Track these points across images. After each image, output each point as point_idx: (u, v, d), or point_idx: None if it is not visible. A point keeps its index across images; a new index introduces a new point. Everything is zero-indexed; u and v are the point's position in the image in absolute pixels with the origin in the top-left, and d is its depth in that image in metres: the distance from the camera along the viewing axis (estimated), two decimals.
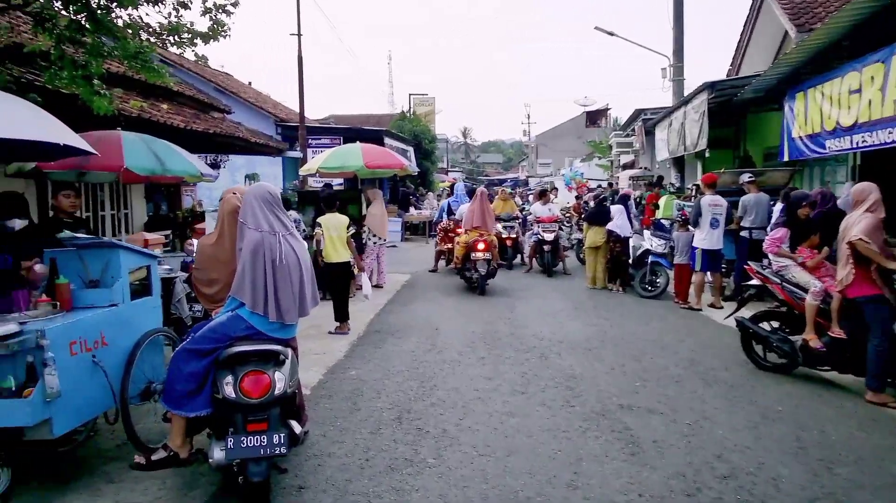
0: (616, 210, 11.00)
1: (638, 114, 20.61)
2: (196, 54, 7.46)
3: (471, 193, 13.33)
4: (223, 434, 3.47)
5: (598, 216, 11.11)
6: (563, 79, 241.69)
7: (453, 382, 5.82)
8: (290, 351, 3.60)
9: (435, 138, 32.33)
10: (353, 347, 7.18)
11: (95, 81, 6.91)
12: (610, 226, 10.83)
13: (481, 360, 6.58)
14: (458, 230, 12.03)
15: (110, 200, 10.50)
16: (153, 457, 3.78)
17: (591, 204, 12.84)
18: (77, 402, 3.66)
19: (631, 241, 10.63)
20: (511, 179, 53.42)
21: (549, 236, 12.47)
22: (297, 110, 19.02)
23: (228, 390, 3.40)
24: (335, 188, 13.10)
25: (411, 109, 33.89)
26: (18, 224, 4.46)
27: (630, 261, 10.64)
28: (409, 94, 35.78)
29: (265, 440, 3.39)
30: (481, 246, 10.36)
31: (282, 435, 3.42)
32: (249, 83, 27.41)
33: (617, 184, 21.79)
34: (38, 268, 3.92)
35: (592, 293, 10.78)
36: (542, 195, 14.08)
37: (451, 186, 18.96)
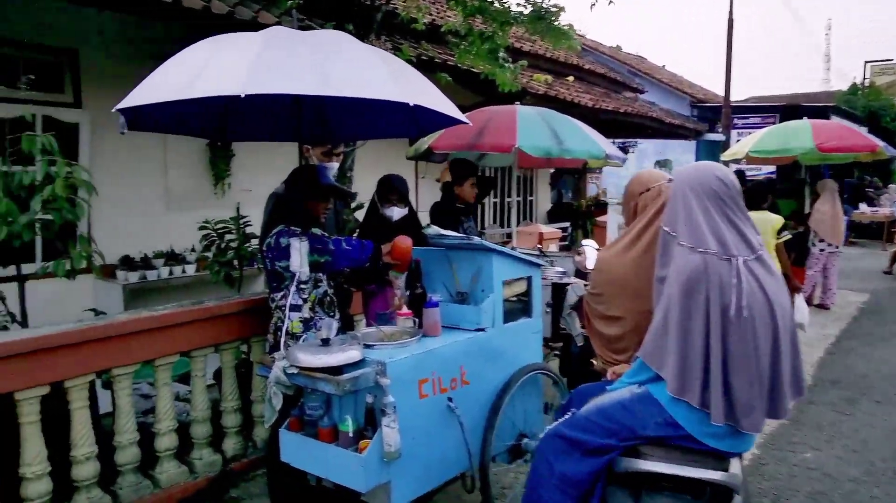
0: None
1: None
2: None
3: None
4: None
5: None
6: None
7: None
8: (742, 482, 1.95)
9: None
10: (799, 409, 4.95)
11: (501, 54, 6.24)
12: None
13: None
14: None
15: (517, 186, 10.23)
16: None
17: None
18: (425, 462, 2.70)
19: None
20: None
21: None
22: (714, 91, 16.54)
23: None
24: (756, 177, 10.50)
25: (865, 80, 27.20)
26: (397, 213, 3.81)
27: None
28: (865, 62, 28.82)
29: None
30: None
31: None
32: (663, 66, 25.60)
33: None
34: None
35: None
36: None
37: None
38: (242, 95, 2.24)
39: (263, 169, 6.34)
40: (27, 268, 3.71)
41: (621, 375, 2.30)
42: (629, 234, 2.68)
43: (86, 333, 2.98)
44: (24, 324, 3.53)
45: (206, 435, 3.58)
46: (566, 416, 2.29)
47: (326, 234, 3.16)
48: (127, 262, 5.58)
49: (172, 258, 5.81)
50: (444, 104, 2.83)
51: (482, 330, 3.02)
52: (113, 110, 2.58)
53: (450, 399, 2.80)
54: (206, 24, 5.06)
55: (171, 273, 5.70)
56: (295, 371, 2.50)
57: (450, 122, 3.19)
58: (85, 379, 3.03)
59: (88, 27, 5.50)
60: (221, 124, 3.50)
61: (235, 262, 4.57)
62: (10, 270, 3.67)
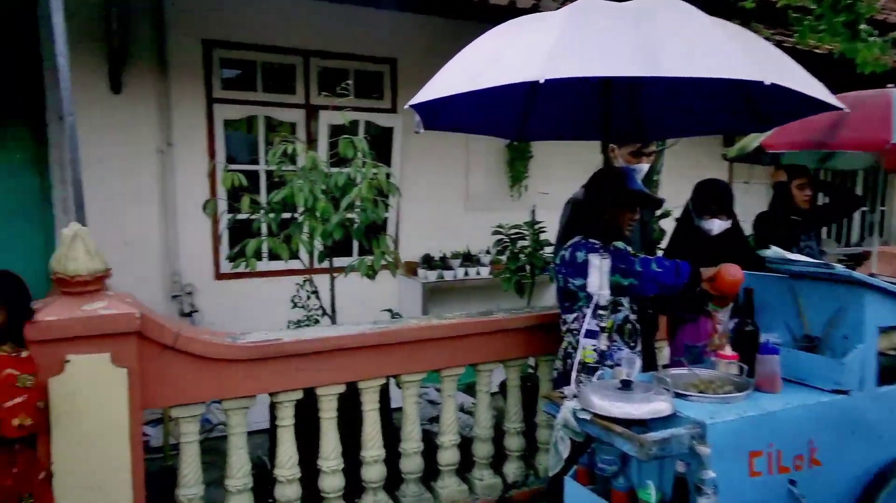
0: None
1: None
2: None
3: None
4: None
5: None
6: None
7: None
8: None
9: None
10: None
11: (862, 27, 4.94)
12: None
13: None
14: None
15: (864, 191, 8.33)
16: None
17: None
18: None
19: None
20: None
21: None
22: None
23: None
24: None
25: None
26: (718, 227, 3.11)
27: None
28: None
29: None
30: None
31: None
32: None
33: None
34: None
35: None
36: None
37: None
38: (541, 81, 1.85)
39: (562, 170, 6.03)
40: (341, 262, 3.93)
41: None
42: None
43: (379, 337, 2.96)
44: (333, 317, 3.73)
45: (487, 454, 3.36)
46: None
47: (632, 251, 2.65)
48: (427, 261, 5.77)
49: (468, 259, 5.86)
50: (810, 84, 2.09)
51: (844, 392, 2.21)
52: (405, 107, 2.43)
53: (792, 482, 2.08)
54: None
55: (466, 274, 5.75)
56: (587, 417, 2.06)
57: (807, 109, 2.41)
58: (376, 382, 3.02)
59: (406, 36, 5.79)
60: (519, 122, 3.22)
61: (528, 269, 4.32)
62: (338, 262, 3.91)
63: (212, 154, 5.28)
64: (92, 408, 2.29)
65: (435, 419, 3.57)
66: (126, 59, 4.88)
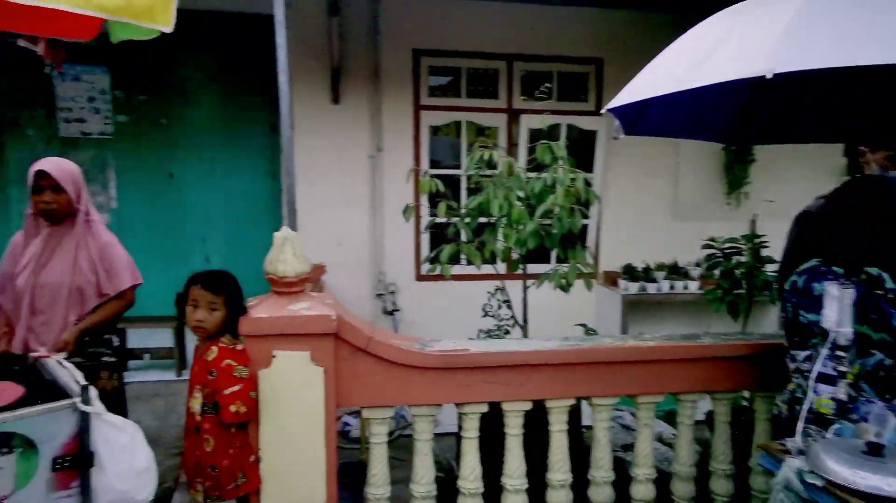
0: None
1: None
2: None
3: None
4: None
5: None
6: None
7: None
8: None
9: None
10: None
11: None
12: None
13: None
14: None
15: None
16: None
17: None
18: None
19: None
20: None
21: None
22: None
23: None
24: None
25: None
26: None
27: None
28: None
29: None
30: None
31: None
32: None
33: None
34: None
35: None
36: None
37: None
38: (769, 76, 1.55)
39: (792, 175, 5.32)
40: (538, 270, 3.81)
41: None
42: None
43: (570, 355, 2.78)
44: (524, 328, 3.63)
45: (688, 496, 3.01)
46: None
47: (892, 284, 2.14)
48: (629, 272, 5.42)
49: (674, 272, 5.40)
50: None
51: None
52: (602, 111, 2.23)
53: None
54: None
55: (671, 288, 5.31)
56: (819, 483, 1.70)
57: None
58: (564, 402, 2.85)
59: (612, 34, 5.51)
60: (737, 122, 2.83)
61: (744, 288, 3.82)
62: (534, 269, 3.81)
63: (417, 159, 5.49)
64: (293, 401, 2.44)
65: (629, 447, 3.29)
66: (344, 73, 5.26)
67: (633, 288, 5.29)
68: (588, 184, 3.48)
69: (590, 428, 3.06)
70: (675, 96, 1.96)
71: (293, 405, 2.44)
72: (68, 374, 1.86)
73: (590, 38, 5.55)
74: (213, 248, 5.87)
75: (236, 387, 2.23)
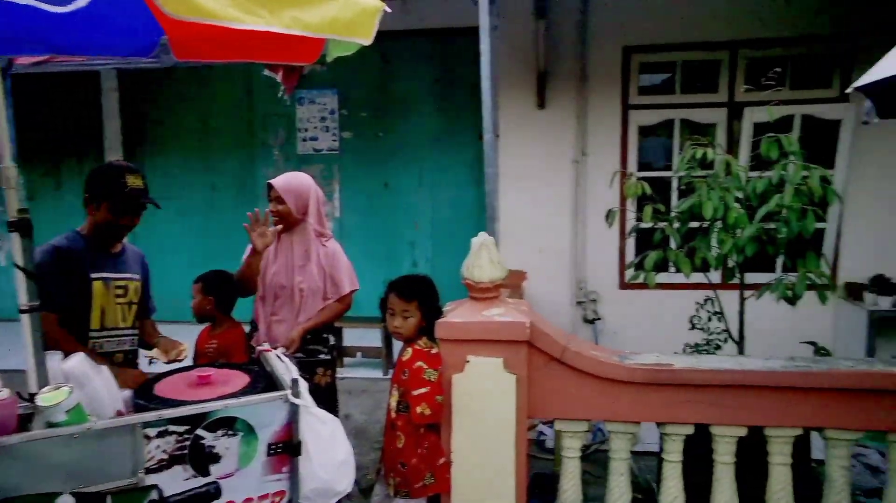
0: None
1: None
2: None
3: None
4: None
5: None
6: None
7: None
8: None
9: None
10: None
11: None
12: None
13: None
14: None
15: None
16: None
17: None
18: None
19: None
20: None
21: None
22: None
23: None
24: None
25: None
26: None
27: None
28: None
29: None
30: None
31: None
32: None
33: None
34: None
35: None
36: None
37: None
38: None
39: None
40: (759, 279, 3.41)
41: None
42: None
43: (793, 377, 2.42)
44: (739, 344, 3.26)
45: None
46: None
47: None
48: (878, 284, 4.62)
49: None
50: None
51: None
52: (849, 90, 1.90)
53: None
54: None
55: None
56: None
57: None
58: (787, 431, 2.48)
59: (864, 4, 4.74)
60: None
61: None
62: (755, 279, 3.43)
63: (624, 161, 5.25)
64: (485, 408, 2.44)
65: (874, 493, 2.77)
66: (550, 77, 5.21)
67: (885, 303, 4.47)
68: (826, 181, 3.01)
69: (821, 462, 2.64)
70: None
71: (485, 411, 2.44)
72: (285, 368, 2.06)
73: (834, 13, 4.83)
74: (421, 253, 6.20)
75: (424, 390, 2.29)
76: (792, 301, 2.93)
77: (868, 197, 4.88)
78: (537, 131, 5.31)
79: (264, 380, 2.03)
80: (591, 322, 5.18)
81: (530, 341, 2.47)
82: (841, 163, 4.92)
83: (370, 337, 5.23)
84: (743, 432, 2.51)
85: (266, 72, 2.80)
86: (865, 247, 4.87)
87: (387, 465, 2.40)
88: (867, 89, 1.85)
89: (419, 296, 2.45)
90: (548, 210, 5.32)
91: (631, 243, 5.22)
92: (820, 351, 3.31)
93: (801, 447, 2.69)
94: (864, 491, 2.87)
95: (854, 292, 4.72)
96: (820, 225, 4.79)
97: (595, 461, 3.56)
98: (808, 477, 2.76)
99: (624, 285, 5.22)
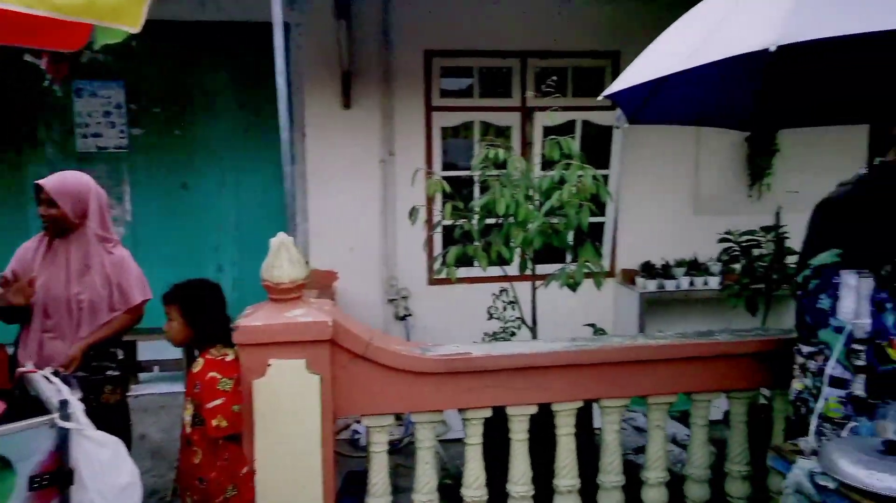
0: None
1: None
2: None
3: None
4: None
5: None
6: None
7: None
8: None
9: None
10: None
11: None
12: None
13: None
14: None
15: None
16: None
17: None
18: None
19: None
20: None
21: None
22: None
23: None
24: None
25: None
26: None
27: None
28: None
29: None
30: None
31: None
32: None
33: None
34: None
35: None
36: None
37: None
38: (772, 49, 1.45)
39: (818, 163, 5.12)
40: (549, 269, 3.72)
41: None
42: None
43: (575, 356, 2.69)
44: (533, 330, 3.54)
45: (702, 499, 2.89)
46: None
47: None
48: (647, 269, 5.28)
49: (694, 268, 5.24)
50: None
51: None
52: (599, 97, 2.14)
53: None
54: None
55: (691, 284, 5.16)
56: (831, 485, 1.58)
57: None
58: (571, 405, 2.75)
59: (629, 26, 5.38)
60: (754, 105, 2.71)
61: (765, 283, 3.67)
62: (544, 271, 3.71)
63: (429, 161, 5.43)
64: (288, 411, 2.39)
65: (641, 449, 3.17)
66: (354, 77, 5.22)
67: (651, 286, 5.14)
68: (596, 178, 3.37)
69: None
70: (683, 78, 1.86)
71: (289, 415, 2.39)
72: (54, 390, 1.84)
73: (605, 32, 5.42)
74: (226, 257, 5.88)
75: (219, 401, 2.19)
76: (573, 287, 3.24)
77: (638, 193, 5.55)
78: (344, 131, 5.30)
79: (26, 406, 1.80)
80: (403, 318, 5.29)
81: (333, 340, 2.46)
82: (615, 163, 5.55)
83: (169, 349, 4.85)
84: (534, 410, 2.72)
85: (27, 57, 2.48)
86: (636, 237, 5.54)
87: (183, 484, 2.25)
88: (617, 97, 2.10)
89: (178, 300, 2.34)
90: (357, 209, 5.34)
91: (438, 240, 5.42)
92: (598, 331, 3.70)
93: (584, 418, 2.99)
94: (633, 450, 3.28)
95: (629, 277, 5.36)
96: (599, 219, 5.38)
97: (408, 453, 3.65)
98: (590, 444, 3.07)
99: (432, 281, 5.41)
